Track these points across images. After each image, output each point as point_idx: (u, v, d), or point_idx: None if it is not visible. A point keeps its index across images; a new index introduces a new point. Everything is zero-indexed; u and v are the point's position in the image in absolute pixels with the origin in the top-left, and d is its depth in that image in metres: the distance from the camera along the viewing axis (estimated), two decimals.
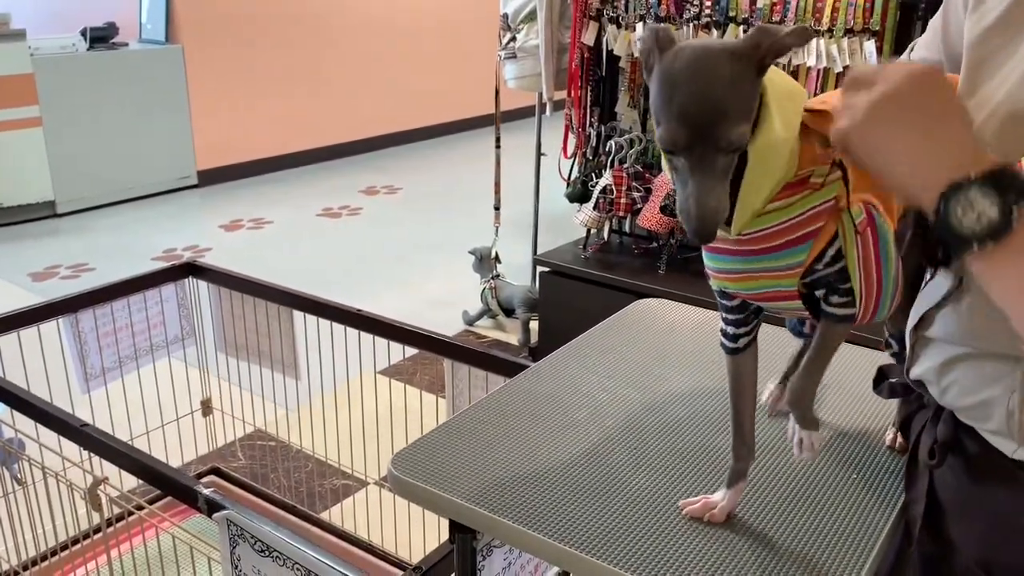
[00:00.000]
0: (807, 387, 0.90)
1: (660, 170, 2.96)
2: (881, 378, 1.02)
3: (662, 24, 0.72)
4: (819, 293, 0.85)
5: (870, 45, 2.47)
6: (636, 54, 2.88)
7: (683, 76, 0.70)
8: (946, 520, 0.88)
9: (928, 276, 0.86)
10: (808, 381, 0.89)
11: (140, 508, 1.55)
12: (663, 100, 0.70)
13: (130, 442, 2.07)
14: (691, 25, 2.76)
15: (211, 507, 1.28)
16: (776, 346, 1.23)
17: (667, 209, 2.83)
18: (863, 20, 2.48)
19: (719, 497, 0.94)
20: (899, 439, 1.08)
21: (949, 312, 0.82)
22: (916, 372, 0.88)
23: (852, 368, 1.26)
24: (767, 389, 1.17)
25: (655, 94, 0.71)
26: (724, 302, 0.90)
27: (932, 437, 0.89)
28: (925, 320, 0.85)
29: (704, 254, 0.86)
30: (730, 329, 0.91)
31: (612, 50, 2.96)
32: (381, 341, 1.88)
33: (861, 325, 0.86)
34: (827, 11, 2.52)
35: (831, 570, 0.86)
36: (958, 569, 0.86)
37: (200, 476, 2.40)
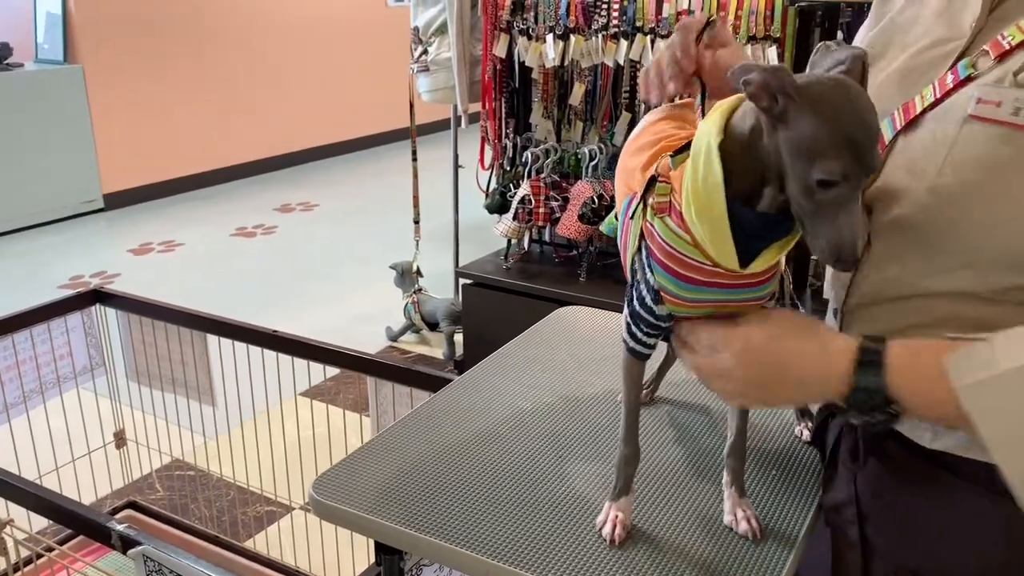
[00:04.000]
0: (742, 441, 0.95)
1: (576, 179, 2.99)
2: None
3: (779, 65, 0.72)
4: None
5: (772, 51, 2.55)
6: (547, 64, 2.91)
7: (850, 106, 0.70)
8: (868, 524, 0.88)
9: None
10: (742, 437, 0.94)
11: (50, 549, 1.47)
12: (828, 131, 0.69)
13: (39, 480, 1.98)
14: (600, 35, 2.80)
15: (125, 544, 1.23)
16: None
17: (585, 217, 2.85)
18: (764, 28, 2.56)
19: (619, 510, 0.93)
20: (809, 431, 1.11)
21: (864, 269, 0.84)
22: None
23: None
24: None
25: (810, 128, 0.70)
26: (660, 323, 0.88)
27: (853, 439, 0.90)
28: (851, 291, 0.86)
29: (676, 283, 0.83)
30: (651, 341, 0.91)
31: (524, 62, 2.98)
32: (300, 362, 1.84)
33: None
34: (729, 19, 2.59)
35: (754, 570, 0.87)
36: (879, 574, 0.87)
37: (116, 511, 2.30)
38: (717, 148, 0.75)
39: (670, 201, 0.81)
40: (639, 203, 0.86)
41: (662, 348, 1.22)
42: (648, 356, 0.92)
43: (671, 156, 0.84)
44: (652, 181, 0.84)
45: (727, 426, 0.96)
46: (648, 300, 0.87)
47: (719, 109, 0.78)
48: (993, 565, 0.78)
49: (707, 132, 0.77)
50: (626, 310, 0.91)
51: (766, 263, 0.80)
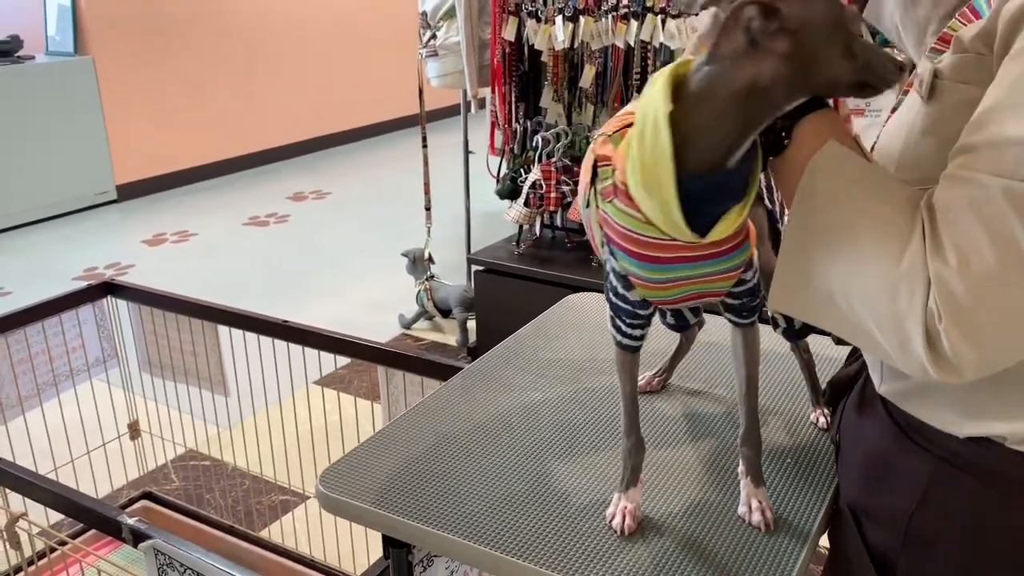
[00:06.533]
0: (755, 430, 0.92)
1: None
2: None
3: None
4: (734, 317, 0.89)
5: None
6: (556, 47, 2.87)
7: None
8: (838, 457, 0.91)
9: None
10: (754, 425, 0.92)
11: (63, 543, 1.48)
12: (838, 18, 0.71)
13: (54, 472, 1.99)
14: (609, 16, 2.77)
15: (136, 537, 1.23)
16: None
17: None
18: None
19: (629, 501, 0.92)
20: (825, 418, 1.09)
21: None
22: None
23: (768, 352, 1.27)
24: (642, 376, 1.19)
25: (824, 5, 0.70)
26: (639, 311, 0.88)
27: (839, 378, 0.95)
28: None
29: (640, 265, 0.82)
30: (636, 332, 0.90)
31: (533, 45, 2.94)
32: (312, 351, 1.84)
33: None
34: None
35: (776, 552, 0.86)
36: (840, 509, 0.89)
37: (132, 501, 2.31)
38: (666, 117, 0.72)
39: (614, 183, 0.79)
40: (590, 191, 0.84)
41: (674, 337, 1.20)
42: (637, 348, 0.91)
43: (609, 136, 0.82)
44: (595, 167, 0.82)
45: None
46: (619, 288, 0.85)
47: (663, 77, 0.75)
48: (915, 516, 0.78)
49: (653, 101, 0.74)
50: (607, 304, 0.89)
51: (726, 230, 0.78)
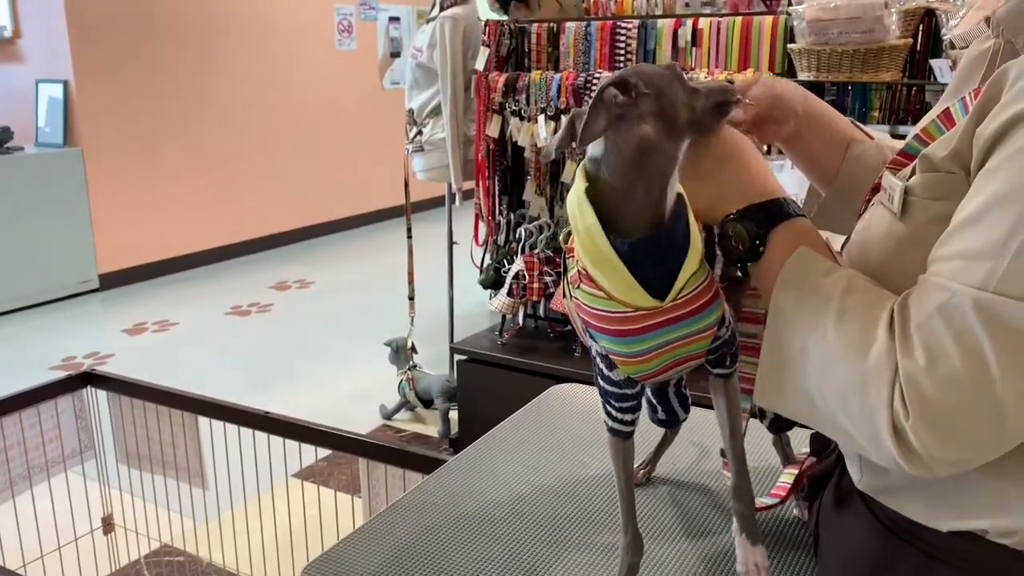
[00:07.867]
0: (746, 482, 0.91)
1: None
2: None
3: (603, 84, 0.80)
4: (715, 368, 0.90)
5: None
6: (539, 144, 2.96)
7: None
8: (817, 551, 0.91)
9: None
10: (744, 477, 0.91)
11: None
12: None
13: (23, 568, 1.93)
14: None
15: None
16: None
17: None
18: None
19: None
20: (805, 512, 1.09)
21: None
22: None
23: (751, 442, 1.28)
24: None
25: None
26: (625, 391, 0.89)
27: (819, 471, 0.96)
28: None
29: (615, 341, 0.84)
30: (627, 417, 0.91)
31: (516, 141, 3.03)
32: (292, 443, 1.82)
33: None
34: None
35: None
36: None
37: None
38: (584, 193, 0.80)
39: (578, 270, 0.84)
40: (565, 283, 0.90)
41: (659, 430, 1.21)
42: (630, 434, 0.92)
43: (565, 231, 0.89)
44: (564, 259, 0.89)
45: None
46: (605, 370, 0.88)
47: (579, 166, 0.83)
48: None
49: (574, 185, 0.82)
50: (598, 391, 0.92)
51: (683, 289, 0.81)
